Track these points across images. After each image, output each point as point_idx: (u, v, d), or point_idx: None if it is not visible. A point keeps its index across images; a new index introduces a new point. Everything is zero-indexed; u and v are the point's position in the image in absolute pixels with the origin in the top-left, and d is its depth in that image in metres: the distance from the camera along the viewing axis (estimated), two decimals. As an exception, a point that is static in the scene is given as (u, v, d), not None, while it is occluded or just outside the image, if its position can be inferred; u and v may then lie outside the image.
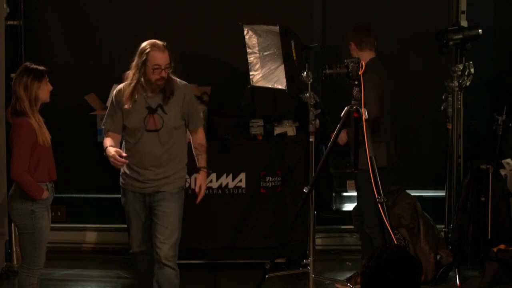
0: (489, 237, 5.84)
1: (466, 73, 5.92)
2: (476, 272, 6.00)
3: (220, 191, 6.11)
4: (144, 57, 4.73)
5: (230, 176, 6.11)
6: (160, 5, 6.60)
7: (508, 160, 6.17)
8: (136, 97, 4.78)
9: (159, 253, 4.89)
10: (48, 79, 4.79)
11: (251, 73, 5.76)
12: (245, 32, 5.77)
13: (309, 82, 5.42)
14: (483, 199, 5.85)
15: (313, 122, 5.42)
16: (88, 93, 6.33)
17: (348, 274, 5.95)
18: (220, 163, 6.06)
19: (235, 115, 6.24)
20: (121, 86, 4.89)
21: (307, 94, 5.42)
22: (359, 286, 5.74)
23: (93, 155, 6.67)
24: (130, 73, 4.82)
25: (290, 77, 5.52)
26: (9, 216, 5.13)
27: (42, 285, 5.45)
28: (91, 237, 6.75)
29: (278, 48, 5.57)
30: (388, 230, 4.81)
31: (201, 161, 5.05)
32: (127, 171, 4.92)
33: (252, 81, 5.79)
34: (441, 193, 6.47)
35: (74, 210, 6.78)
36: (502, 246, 5.82)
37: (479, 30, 5.93)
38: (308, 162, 5.64)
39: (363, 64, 4.85)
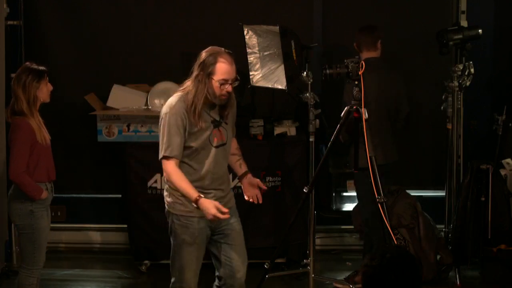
0: (489, 237, 5.84)
1: (466, 73, 5.92)
2: (476, 272, 6.00)
3: (220, 191, 6.11)
4: (209, 70, 4.20)
5: (230, 176, 6.09)
6: (160, 5, 6.60)
7: (508, 160, 6.17)
8: (195, 111, 4.24)
9: (235, 280, 4.43)
10: (48, 79, 4.79)
11: (251, 73, 5.76)
12: (245, 32, 5.77)
13: (309, 82, 5.42)
14: (483, 199, 5.85)
15: (313, 122, 5.42)
16: (88, 93, 6.33)
17: (349, 274, 5.94)
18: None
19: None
20: (179, 102, 4.25)
21: (307, 94, 5.42)
22: (358, 285, 5.76)
23: (93, 155, 6.69)
24: (189, 86, 4.27)
25: (290, 77, 5.52)
26: (9, 216, 5.12)
27: (42, 285, 5.45)
28: (91, 237, 6.74)
29: (278, 48, 5.57)
30: (388, 230, 4.81)
31: (244, 165, 4.60)
32: (179, 193, 4.34)
33: (252, 81, 5.79)
34: (441, 193, 6.47)
35: (74, 210, 6.78)
36: (502, 246, 5.82)
37: (479, 30, 5.93)
38: (308, 162, 5.63)
39: (363, 64, 4.85)
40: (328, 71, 4.97)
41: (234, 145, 4.58)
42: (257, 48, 5.72)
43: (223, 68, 4.20)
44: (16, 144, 4.66)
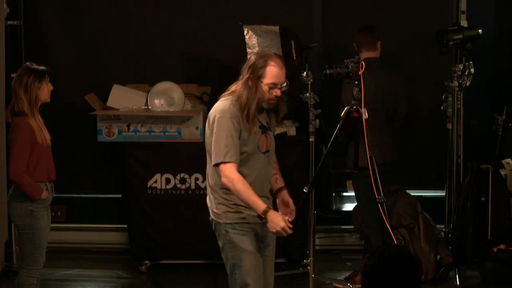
0: (489, 237, 5.84)
1: (466, 73, 5.92)
2: (476, 272, 6.00)
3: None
4: (259, 73, 4.09)
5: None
6: (160, 5, 6.60)
7: (508, 160, 6.16)
8: (247, 115, 4.10)
9: None
10: (48, 79, 4.79)
11: (251, 73, 5.75)
12: (245, 32, 5.77)
13: (309, 82, 5.42)
14: (483, 199, 5.85)
15: (313, 122, 5.42)
16: (88, 93, 6.33)
17: (349, 274, 5.94)
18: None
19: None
20: (231, 106, 4.12)
21: (307, 94, 5.42)
22: (358, 285, 5.76)
23: (93, 155, 6.69)
24: (239, 90, 4.15)
25: (290, 77, 5.52)
26: (9, 216, 5.12)
27: (42, 285, 5.45)
28: (91, 237, 6.74)
29: (278, 48, 5.57)
30: (388, 230, 4.81)
31: (280, 180, 4.41)
32: (239, 203, 4.15)
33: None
34: (441, 193, 6.47)
35: (74, 210, 6.78)
36: (502, 246, 5.82)
37: (479, 30, 5.93)
38: (308, 162, 5.63)
39: (363, 64, 4.85)
40: (328, 71, 4.97)
41: (273, 157, 4.41)
42: (257, 48, 5.72)
43: (273, 72, 4.10)
44: (16, 144, 4.67)
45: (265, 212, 4.03)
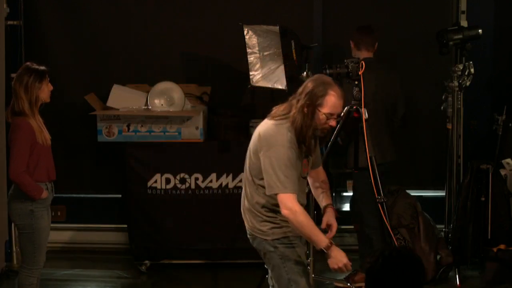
0: (489, 237, 5.85)
1: (466, 73, 5.92)
2: (476, 272, 6.01)
3: (220, 191, 6.11)
4: (318, 102, 3.94)
5: (230, 176, 6.11)
6: (160, 5, 6.60)
7: (508, 160, 6.17)
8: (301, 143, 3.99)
9: None
10: (49, 79, 4.80)
11: (251, 73, 5.76)
12: (245, 32, 5.77)
13: (309, 82, 5.41)
14: (483, 199, 5.85)
15: (313, 122, 5.41)
16: (88, 93, 6.33)
17: (348, 274, 5.94)
18: (220, 163, 6.07)
19: (235, 115, 6.24)
20: (290, 134, 3.96)
21: (307, 94, 5.41)
22: (358, 284, 5.77)
23: (93, 155, 6.69)
24: (295, 116, 3.97)
25: (290, 77, 5.52)
26: (9, 216, 5.12)
27: (42, 285, 5.44)
28: (91, 237, 6.74)
29: (278, 48, 5.57)
30: (388, 230, 4.80)
31: (326, 199, 4.29)
32: (283, 219, 4.02)
33: (252, 81, 5.79)
34: (441, 193, 6.46)
35: (74, 210, 6.78)
36: (502, 246, 5.82)
37: (479, 30, 5.93)
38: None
39: (363, 64, 4.85)
40: (328, 71, 4.97)
41: (321, 176, 4.31)
42: (257, 48, 5.72)
43: (333, 102, 3.95)
44: (16, 144, 4.67)
45: (328, 247, 3.99)
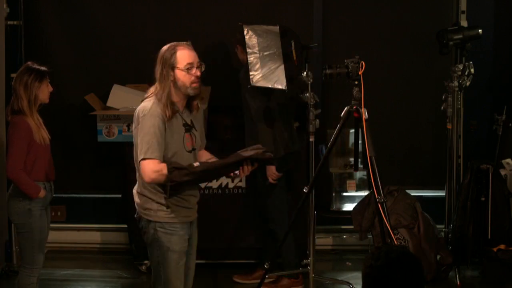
0: (489, 237, 5.85)
1: (466, 73, 5.92)
2: (476, 272, 6.01)
3: (220, 191, 6.11)
4: (171, 61, 4.06)
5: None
6: (160, 5, 6.60)
7: (508, 160, 6.17)
8: (170, 114, 4.08)
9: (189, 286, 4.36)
10: (49, 80, 4.81)
11: (251, 73, 5.75)
12: (245, 32, 5.76)
13: (309, 82, 5.42)
14: (483, 199, 5.86)
15: (313, 122, 5.42)
16: (88, 93, 6.33)
17: (349, 274, 5.95)
18: (220, 163, 6.06)
19: (235, 115, 6.24)
20: (155, 105, 4.08)
21: (307, 94, 5.42)
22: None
23: (93, 155, 6.69)
24: (157, 88, 4.12)
25: (290, 77, 5.52)
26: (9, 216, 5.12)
27: (42, 285, 5.45)
28: (91, 237, 6.75)
29: (278, 48, 5.57)
30: (388, 230, 4.80)
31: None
32: (172, 202, 4.15)
33: (252, 81, 5.78)
34: (441, 193, 6.46)
35: (74, 210, 6.78)
36: (502, 246, 5.83)
37: (479, 30, 5.93)
38: (308, 162, 5.63)
39: (363, 64, 4.85)
40: (328, 71, 4.98)
41: (205, 157, 4.36)
42: (257, 48, 5.71)
43: (184, 54, 4.09)
44: (13, 142, 4.69)
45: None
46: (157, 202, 4.15)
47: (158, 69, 4.11)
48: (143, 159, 4.04)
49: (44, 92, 4.76)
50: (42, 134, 4.73)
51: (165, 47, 4.15)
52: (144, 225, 4.23)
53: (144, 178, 4.08)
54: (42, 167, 4.77)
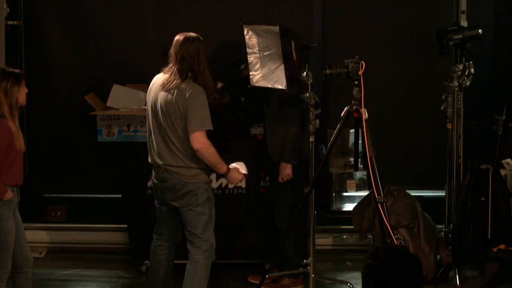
0: (489, 237, 5.85)
1: (466, 73, 5.92)
2: (476, 272, 6.01)
3: (220, 191, 6.11)
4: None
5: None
6: (160, 5, 6.59)
7: (508, 160, 6.17)
8: None
9: None
10: (24, 82, 4.83)
11: (251, 73, 5.76)
12: (245, 32, 5.76)
13: (309, 82, 5.42)
14: (483, 199, 5.85)
15: (313, 122, 5.42)
16: (88, 93, 6.33)
17: (349, 274, 5.95)
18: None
19: (235, 115, 6.24)
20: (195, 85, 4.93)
21: (307, 94, 5.42)
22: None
23: (93, 155, 6.68)
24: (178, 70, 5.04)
25: (290, 77, 5.52)
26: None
27: (42, 285, 5.46)
28: (91, 237, 6.74)
29: (278, 48, 5.57)
30: (388, 230, 4.81)
31: None
32: (205, 167, 5.01)
33: (252, 81, 5.78)
34: (441, 193, 6.46)
35: (74, 210, 6.78)
36: (502, 246, 5.82)
37: (479, 30, 5.93)
38: (308, 162, 5.63)
39: (363, 64, 4.85)
40: (328, 71, 4.98)
41: None
42: (257, 48, 5.71)
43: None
44: None
45: (228, 170, 4.94)
46: (200, 168, 4.87)
47: (199, 59, 4.95)
48: (198, 130, 4.76)
49: (23, 95, 4.82)
50: (20, 140, 4.76)
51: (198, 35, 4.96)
52: (192, 189, 4.87)
53: (197, 145, 4.77)
54: (14, 172, 4.79)
